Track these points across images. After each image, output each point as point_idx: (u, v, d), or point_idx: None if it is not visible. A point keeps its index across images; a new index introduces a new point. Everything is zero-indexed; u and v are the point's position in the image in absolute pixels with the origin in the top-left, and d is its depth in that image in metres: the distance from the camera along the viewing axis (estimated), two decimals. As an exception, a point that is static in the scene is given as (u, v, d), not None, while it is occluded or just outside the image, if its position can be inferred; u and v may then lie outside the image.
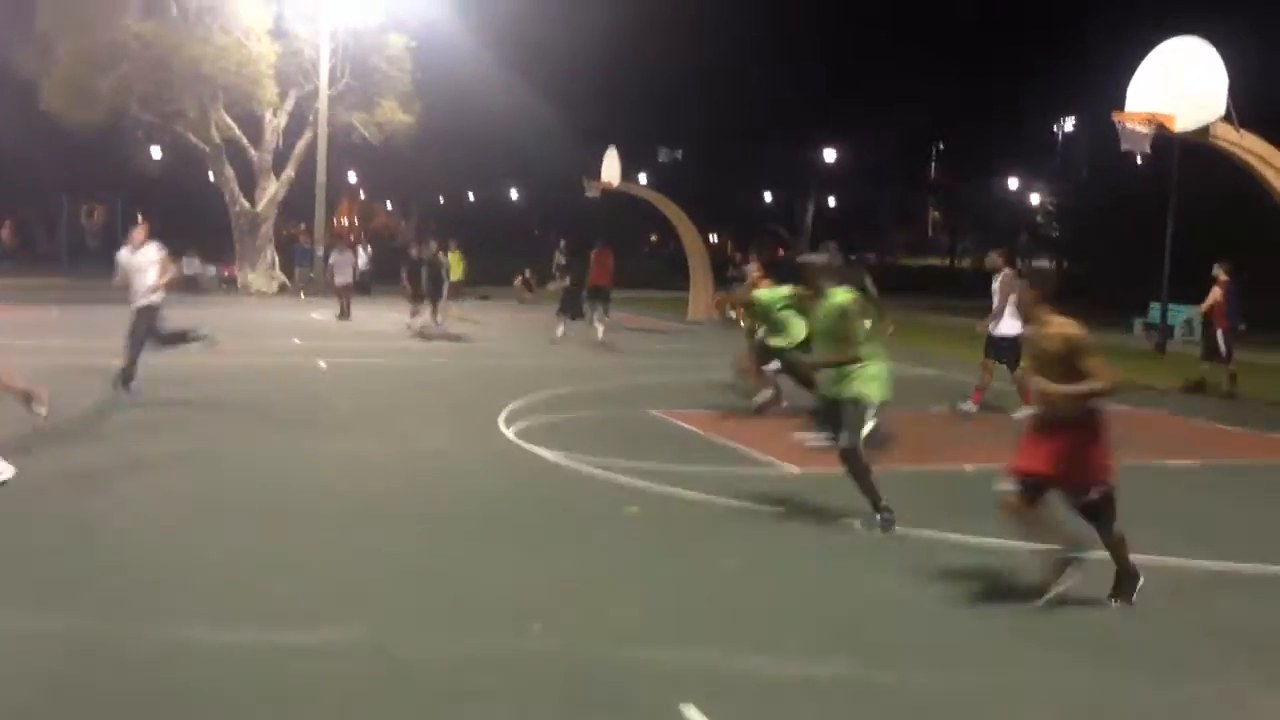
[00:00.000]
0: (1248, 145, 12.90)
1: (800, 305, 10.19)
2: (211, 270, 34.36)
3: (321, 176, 32.82)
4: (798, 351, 10.58)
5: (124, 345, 11.68)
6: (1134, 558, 5.73)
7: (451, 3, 32.91)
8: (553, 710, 4.39)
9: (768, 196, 69.03)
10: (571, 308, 19.58)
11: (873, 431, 6.99)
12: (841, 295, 7.12)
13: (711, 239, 45.83)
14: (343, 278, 24.18)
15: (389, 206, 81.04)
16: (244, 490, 7.85)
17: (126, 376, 11.64)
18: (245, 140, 33.15)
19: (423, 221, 56.95)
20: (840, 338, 7.01)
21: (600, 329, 19.57)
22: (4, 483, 7.48)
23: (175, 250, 35.58)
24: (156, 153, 38.08)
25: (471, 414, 11.35)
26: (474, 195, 73.90)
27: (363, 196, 79.12)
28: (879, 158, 59.67)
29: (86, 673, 4.58)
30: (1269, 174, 13.09)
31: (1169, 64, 13.08)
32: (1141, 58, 13.36)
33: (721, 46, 48.41)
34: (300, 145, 33.35)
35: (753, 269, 11.84)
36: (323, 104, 31.81)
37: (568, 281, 19.69)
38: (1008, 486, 5.54)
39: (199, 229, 40.68)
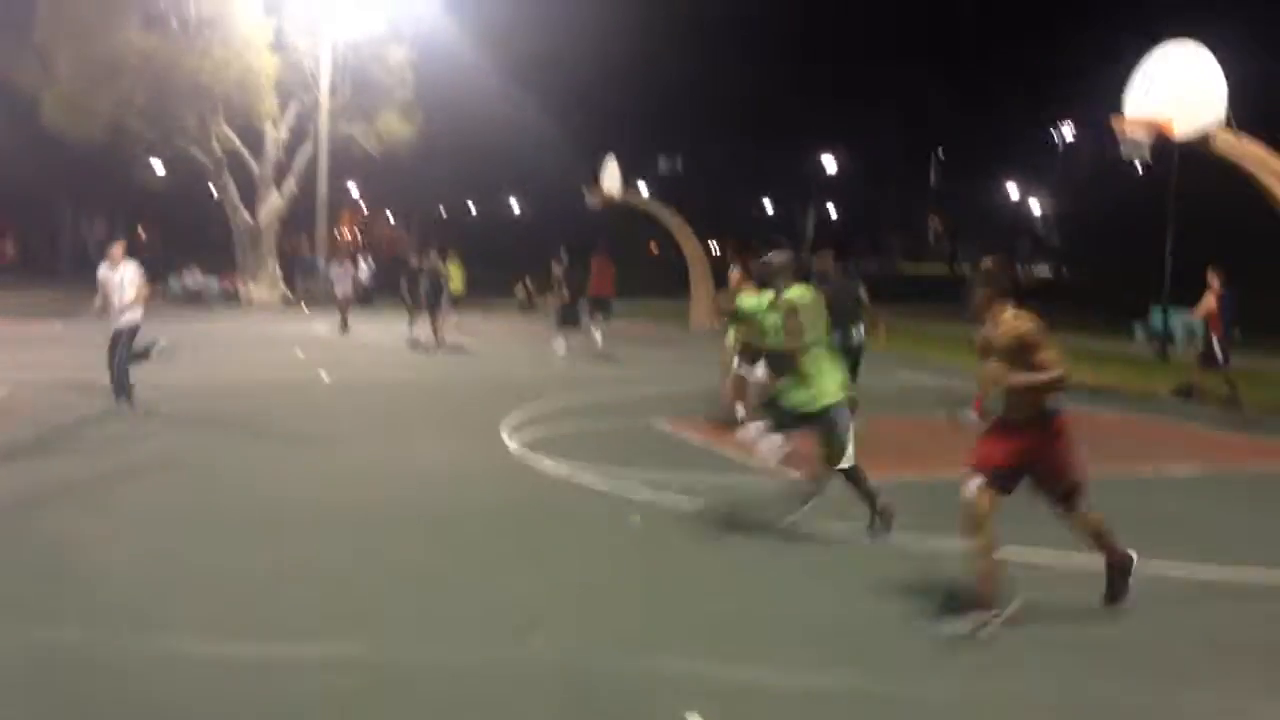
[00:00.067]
0: (1246, 150, 12.90)
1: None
2: (214, 283, 34.42)
3: (322, 188, 32.92)
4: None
5: (109, 364, 11.67)
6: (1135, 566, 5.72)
7: (451, 14, 33.02)
8: (555, 721, 4.39)
9: (769, 205, 69.09)
10: (568, 320, 19.49)
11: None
12: (792, 291, 7.10)
13: (712, 248, 45.86)
14: (341, 289, 24.18)
15: (390, 218, 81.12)
16: (243, 502, 7.86)
17: (123, 392, 11.64)
18: (246, 153, 33.23)
19: (424, 232, 56.98)
20: (786, 332, 7.01)
21: (599, 336, 19.56)
22: None
23: (177, 263, 35.78)
24: (158, 166, 38.18)
25: (473, 424, 11.36)
26: (475, 206, 73.96)
27: (364, 208, 79.20)
28: (880, 165, 59.76)
29: (82, 687, 4.58)
30: (1267, 178, 13.10)
31: (1167, 69, 13.07)
32: (1139, 63, 13.37)
33: (721, 55, 48.48)
34: (301, 157, 33.44)
35: (734, 274, 11.50)
36: (323, 116, 31.91)
37: (565, 293, 19.58)
38: (974, 482, 5.41)
39: (200, 242, 40.83)
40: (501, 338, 23.50)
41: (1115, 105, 13.37)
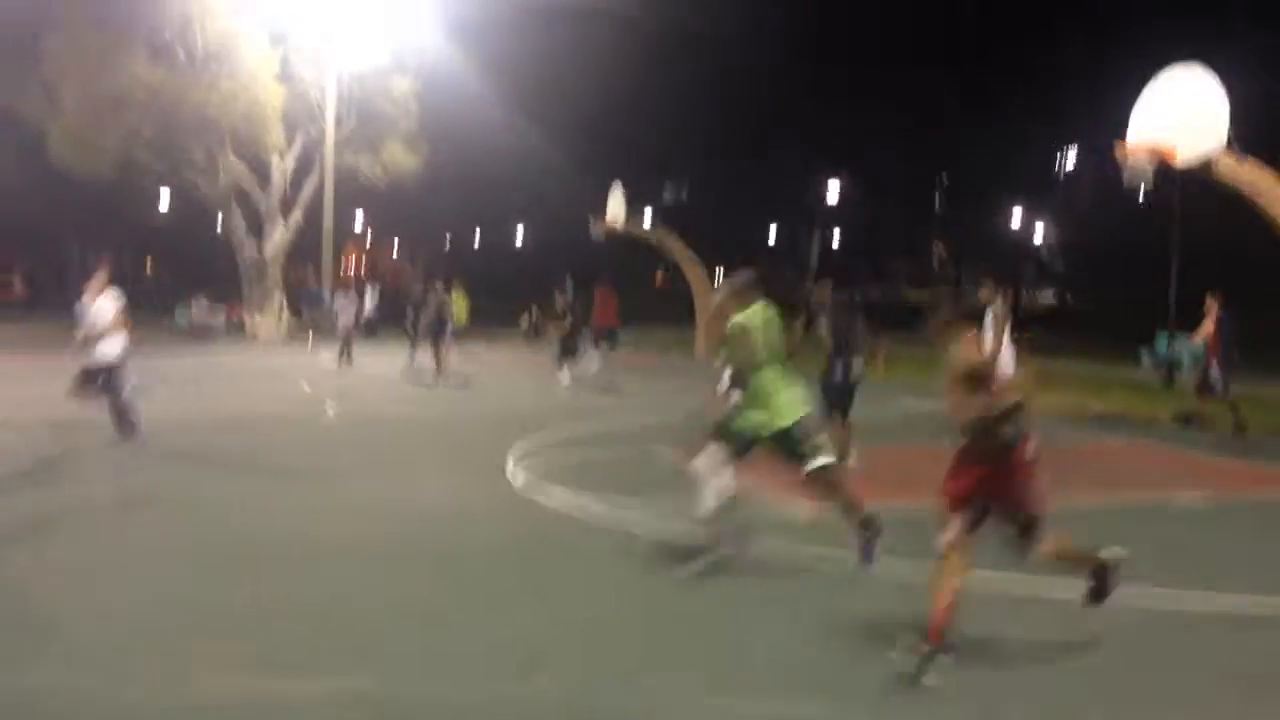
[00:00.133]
0: (1249, 176, 12.88)
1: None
2: (220, 316, 34.50)
3: (328, 220, 33.02)
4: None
5: (107, 403, 11.63)
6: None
7: (455, 45, 33.24)
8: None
9: (773, 232, 69.19)
10: (570, 350, 19.51)
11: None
12: (746, 311, 7.02)
13: (718, 274, 45.95)
14: (344, 321, 24.19)
15: (396, 248, 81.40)
16: (240, 537, 7.82)
17: (128, 427, 11.60)
18: (253, 185, 33.39)
19: (429, 263, 57.18)
20: (739, 353, 6.94)
21: (594, 364, 19.52)
22: None
23: (185, 296, 35.83)
24: (165, 199, 38.36)
25: (477, 456, 11.33)
26: (480, 236, 74.19)
27: (369, 239, 79.49)
28: (884, 191, 59.85)
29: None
30: (1269, 202, 13.07)
31: (1170, 94, 13.06)
32: (1142, 88, 13.37)
33: (726, 83, 48.69)
34: (307, 189, 33.58)
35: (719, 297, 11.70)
36: (329, 147, 32.07)
37: (568, 322, 19.62)
38: (951, 528, 5.25)
39: (207, 274, 40.95)
40: (506, 368, 23.50)
41: (1119, 131, 13.36)
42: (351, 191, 35.22)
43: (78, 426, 12.17)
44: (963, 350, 5.34)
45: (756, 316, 7.00)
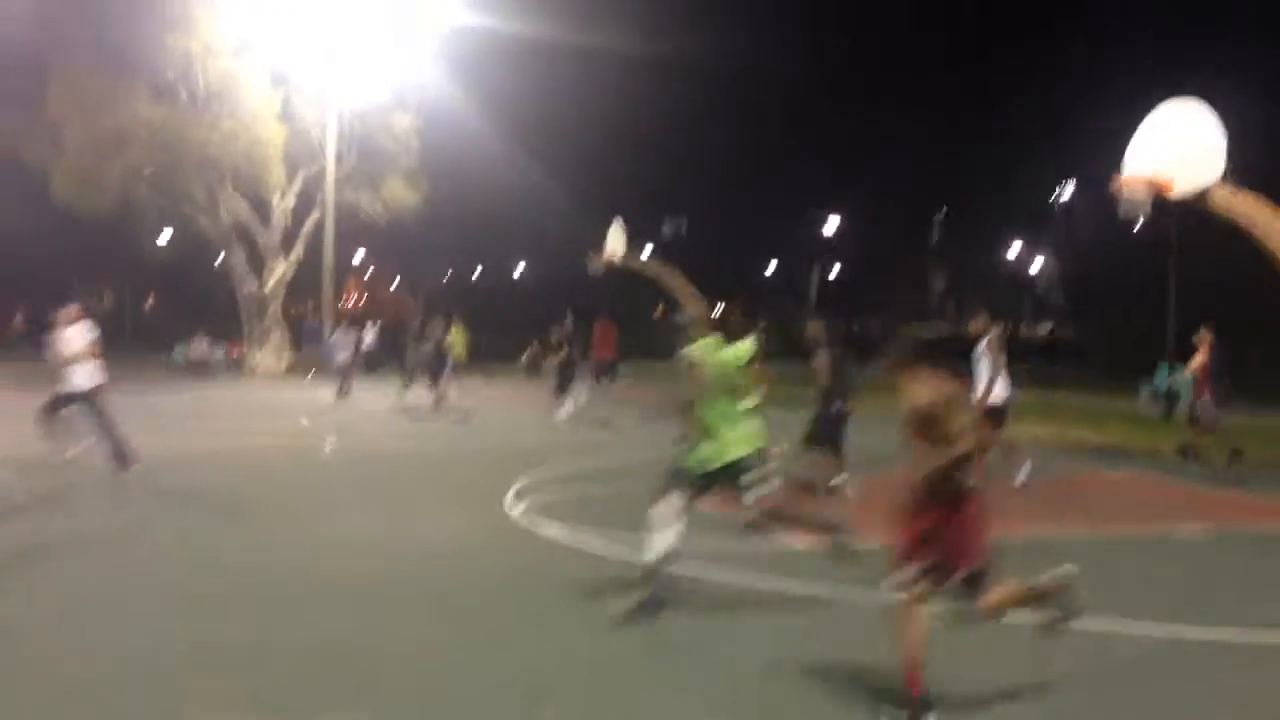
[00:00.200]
0: (1244, 208, 12.93)
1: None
2: (219, 352, 34.53)
3: (329, 256, 33.12)
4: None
5: (99, 434, 11.68)
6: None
7: (455, 82, 33.49)
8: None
9: (773, 266, 69.42)
10: (566, 383, 19.56)
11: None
12: (699, 344, 6.88)
13: (717, 309, 45.95)
14: (343, 356, 24.22)
15: (396, 283, 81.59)
16: (242, 572, 7.78)
17: (122, 458, 11.63)
18: (254, 222, 33.51)
19: (429, 298, 57.28)
20: (689, 386, 6.79)
21: (584, 395, 19.54)
22: None
23: (185, 332, 35.85)
24: (165, 237, 38.50)
25: (478, 491, 11.30)
26: (481, 271, 74.38)
27: (370, 274, 79.69)
28: (882, 225, 60.11)
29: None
30: (1263, 232, 13.11)
31: (1166, 127, 13.10)
32: (1138, 121, 13.45)
33: (725, 118, 49.10)
34: (308, 225, 33.71)
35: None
36: (330, 185, 32.21)
37: (564, 353, 19.68)
38: (903, 579, 5.00)
39: (208, 311, 41.03)
40: (505, 403, 23.48)
41: (1115, 164, 13.42)
42: (352, 228, 35.36)
43: (76, 463, 12.16)
44: (918, 391, 5.08)
45: (711, 349, 6.85)
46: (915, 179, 52.84)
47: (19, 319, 49.80)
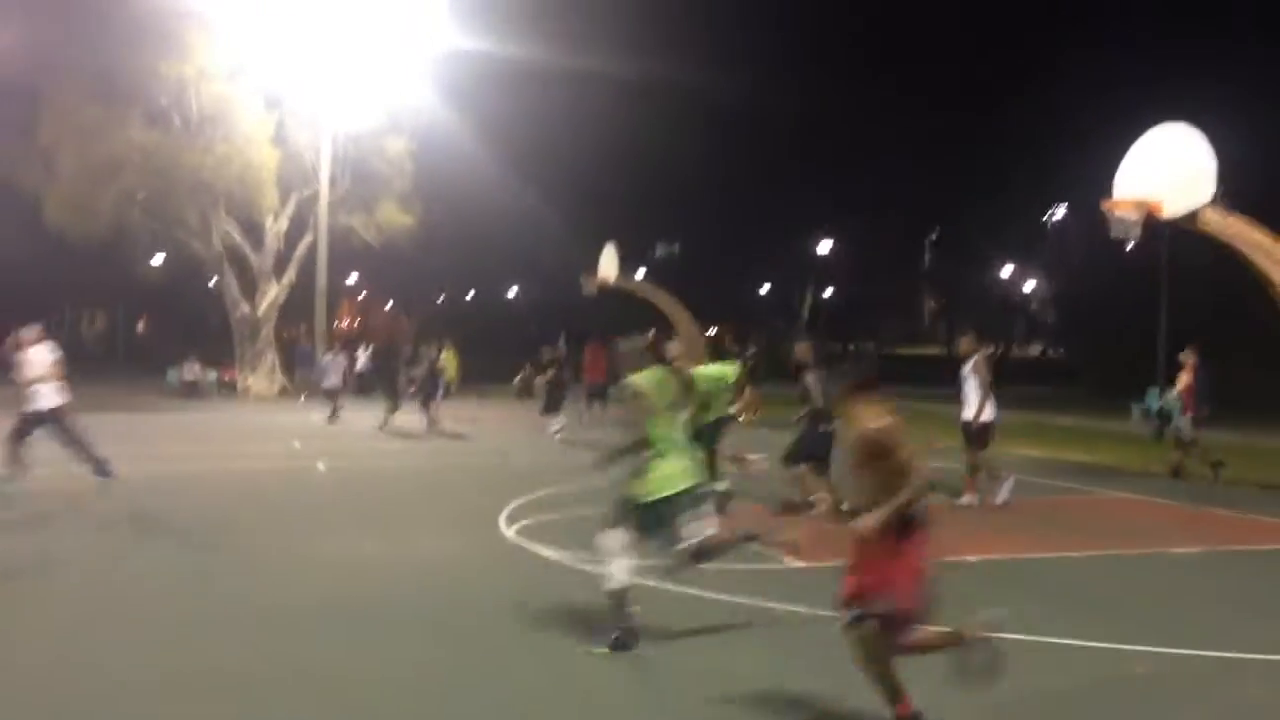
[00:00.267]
0: (1235, 230, 13.02)
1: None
2: (212, 375, 34.47)
3: (322, 280, 33.10)
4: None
5: (72, 451, 11.73)
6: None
7: (450, 104, 33.55)
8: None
9: (765, 289, 69.53)
10: (555, 404, 19.62)
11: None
12: (639, 375, 6.65)
13: (710, 331, 46.09)
14: (332, 380, 24.18)
15: (390, 306, 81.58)
16: (234, 596, 7.75)
17: (100, 467, 11.68)
18: (246, 245, 33.51)
19: (422, 321, 57.31)
20: (628, 418, 6.57)
21: (560, 421, 19.61)
22: None
23: (177, 355, 35.76)
24: (158, 260, 38.49)
25: (472, 513, 11.29)
26: (475, 294, 74.39)
27: (363, 297, 79.68)
28: (874, 248, 60.26)
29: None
30: (1258, 258, 13.19)
31: (1157, 150, 13.24)
32: (1129, 144, 13.55)
33: (718, 143, 49.25)
34: (301, 248, 33.72)
35: (674, 348, 12.15)
36: (323, 209, 32.21)
37: (551, 374, 19.77)
38: (848, 615, 4.84)
39: (200, 334, 40.98)
40: (498, 425, 23.46)
41: (1106, 186, 13.51)
42: (345, 251, 35.36)
43: (66, 483, 12.13)
44: (865, 420, 4.92)
45: (652, 380, 6.65)
46: (908, 200, 53.02)
47: (9, 343, 49.67)
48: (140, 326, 66.13)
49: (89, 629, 6.88)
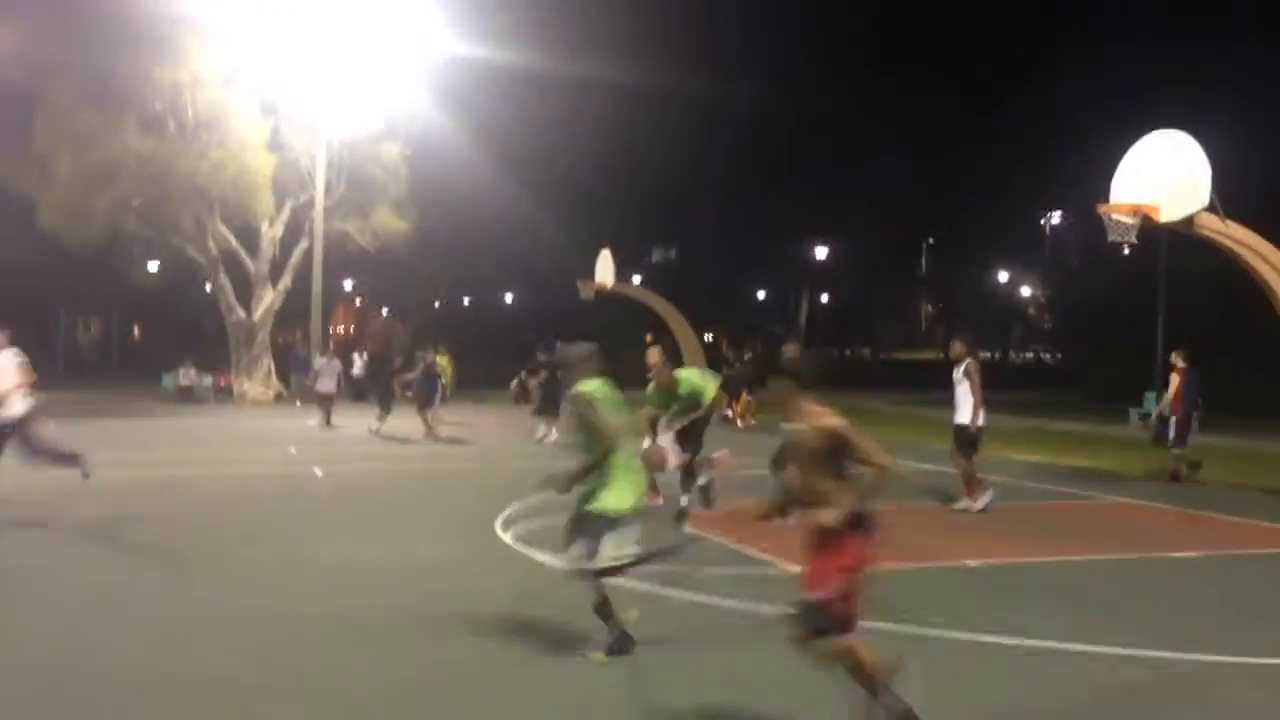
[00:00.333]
0: (1232, 234, 13.04)
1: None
2: (207, 380, 34.42)
3: (317, 286, 33.06)
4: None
5: (38, 462, 11.54)
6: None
7: (446, 110, 33.53)
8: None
9: (762, 294, 69.55)
10: (549, 407, 19.72)
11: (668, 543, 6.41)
12: (587, 385, 6.47)
13: (707, 337, 46.12)
14: (325, 386, 24.11)
15: (385, 311, 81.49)
16: (232, 604, 7.70)
17: (73, 462, 11.49)
18: (242, 251, 33.48)
19: (419, 326, 57.23)
20: (587, 429, 6.37)
21: (545, 427, 19.71)
22: None
23: (173, 360, 35.69)
24: (153, 265, 38.42)
25: (468, 518, 11.25)
26: (471, 299, 74.33)
27: (358, 303, 79.61)
28: (872, 253, 60.32)
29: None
30: (1255, 261, 13.22)
31: (1153, 156, 13.29)
32: (1129, 146, 13.59)
33: (716, 148, 49.25)
34: (297, 254, 33.67)
35: (653, 355, 12.54)
36: (318, 214, 32.17)
37: (543, 376, 19.86)
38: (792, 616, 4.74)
39: (196, 339, 40.90)
40: (495, 430, 23.42)
41: (1103, 192, 13.53)
42: (341, 257, 35.33)
43: (62, 491, 12.07)
44: (812, 419, 4.76)
45: (601, 391, 6.49)
46: (905, 204, 53.10)
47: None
48: (136, 332, 66.08)
49: (83, 635, 6.83)
